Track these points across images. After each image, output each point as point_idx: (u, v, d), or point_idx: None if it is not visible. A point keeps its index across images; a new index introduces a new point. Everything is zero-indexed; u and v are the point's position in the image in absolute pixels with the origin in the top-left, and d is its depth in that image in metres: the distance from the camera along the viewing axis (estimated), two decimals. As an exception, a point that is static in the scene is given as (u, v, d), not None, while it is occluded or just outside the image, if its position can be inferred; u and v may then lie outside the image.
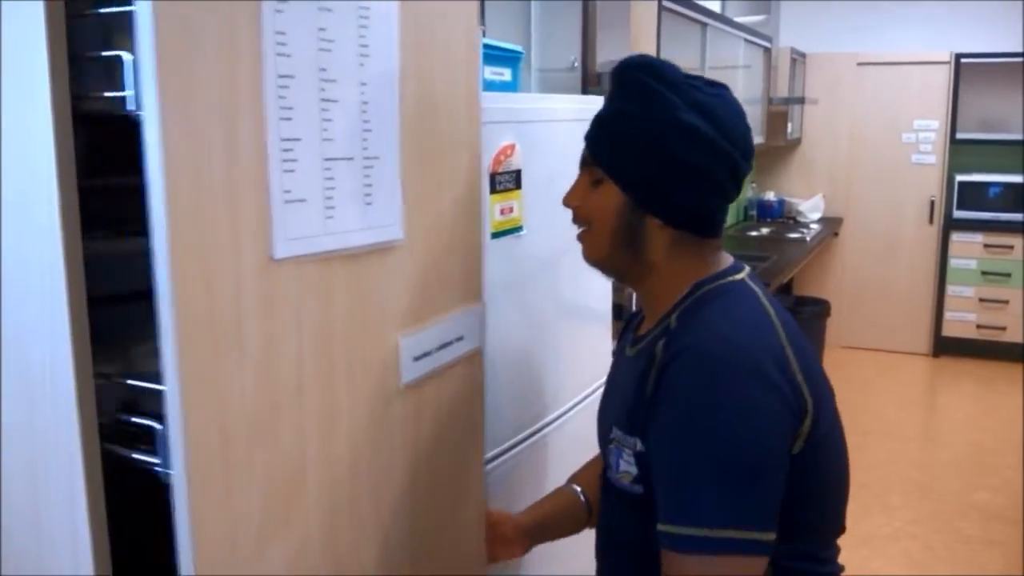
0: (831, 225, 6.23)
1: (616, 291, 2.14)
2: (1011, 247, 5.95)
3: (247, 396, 0.93)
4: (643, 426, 1.14)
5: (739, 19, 5.09)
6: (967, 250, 6.11)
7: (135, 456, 0.96)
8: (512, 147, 1.63)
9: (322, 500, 1.04)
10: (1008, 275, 5.99)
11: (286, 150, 0.94)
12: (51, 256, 0.88)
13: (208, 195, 0.86)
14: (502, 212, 1.62)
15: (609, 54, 3.41)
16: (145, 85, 0.81)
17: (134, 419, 0.97)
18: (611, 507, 1.28)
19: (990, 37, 5.99)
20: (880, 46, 6.23)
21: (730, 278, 1.20)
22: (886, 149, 6.27)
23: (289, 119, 0.94)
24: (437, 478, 1.25)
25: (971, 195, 6.11)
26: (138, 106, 0.86)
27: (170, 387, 0.85)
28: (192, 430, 0.86)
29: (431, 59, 1.17)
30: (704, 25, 4.32)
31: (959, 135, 6.17)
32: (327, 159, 1.00)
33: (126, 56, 0.86)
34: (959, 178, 6.13)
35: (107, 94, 0.92)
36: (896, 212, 6.31)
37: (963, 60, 6.05)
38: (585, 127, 1.22)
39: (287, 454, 0.99)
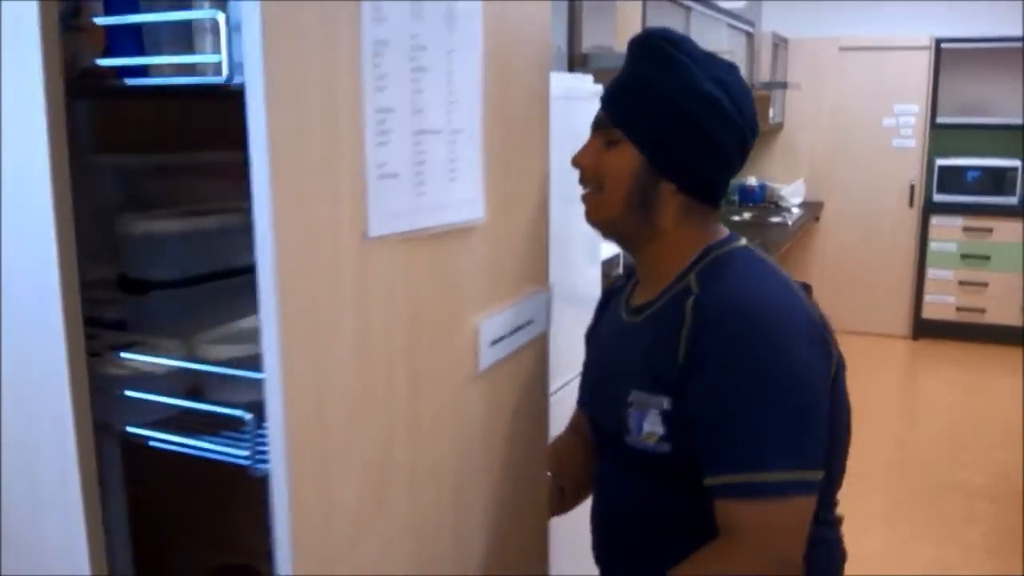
0: (812, 209, 6.25)
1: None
2: (990, 230, 6.01)
3: (344, 384, 0.87)
4: (675, 385, 1.15)
5: (723, 4, 5.07)
6: (947, 233, 6.17)
7: (213, 448, 0.89)
8: None
9: (409, 491, 0.99)
10: (987, 258, 6.05)
11: (380, 121, 0.88)
12: (44, 237, 0.86)
13: (311, 169, 0.80)
14: None
15: (594, 39, 3.38)
16: (249, 50, 0.74)
17: (218, 409, 0.90)
18: (621, 475, 1.27)
19: (970, 22, 6.03)
20: (861, 31, 6.25)
21: (737, 244, 1.26)
22: (867, 134, 6.30)
23: (383, 88, 0.88)
24: (508, 466, 1.21)
25: (951, 179, 6.16)
26: (231, 72, 0.80)
27: (271, 374, 0.79)
28: (293, 420, 0.80)
29: (507, 33, 1.11)
30: (688, 9, 4.33)
31: (939, 119, 6.21)
32: (416, 131, 0.94)
33: (220, 17, 0.80)
34: (939, 162, 6.18)
35: (190, 60, 0.86)
36: (877, 196, 6.34)
37: (943, 45, 6.08)
38: (576, 105, 1.20)
39: (379, 444, 0.93)
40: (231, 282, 1.12)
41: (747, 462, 1.11)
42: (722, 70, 1.22)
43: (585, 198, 1.26)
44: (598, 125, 1.25)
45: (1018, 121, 6.06)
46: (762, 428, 1.11)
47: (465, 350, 1.07)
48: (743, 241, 1.28)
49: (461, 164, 1.02)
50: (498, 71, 1.09)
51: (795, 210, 6.07)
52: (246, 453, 0.86)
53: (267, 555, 1.53)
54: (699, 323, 1.14)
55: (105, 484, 1.29)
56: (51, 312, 0.87)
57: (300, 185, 0.79)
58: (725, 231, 1.29)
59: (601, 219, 1.26)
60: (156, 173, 1.16)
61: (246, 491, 1.55)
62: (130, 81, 0.91)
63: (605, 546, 1.32)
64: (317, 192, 0.81)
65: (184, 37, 0.91)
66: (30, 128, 0.84)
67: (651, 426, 1.18)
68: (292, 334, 0.79)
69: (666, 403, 1.17)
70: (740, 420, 1.12)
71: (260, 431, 0.86)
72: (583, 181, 1.25)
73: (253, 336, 1.05)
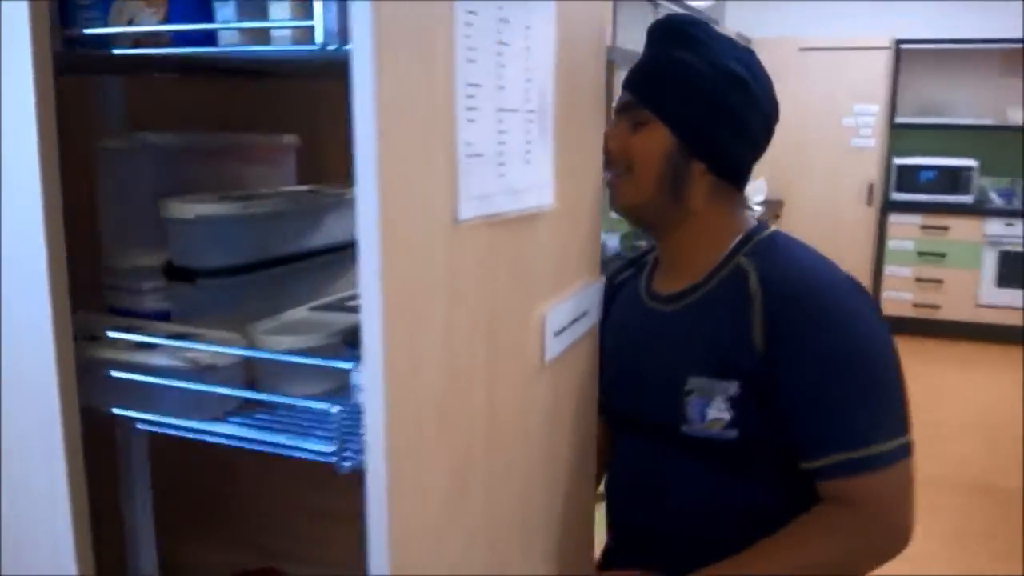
0: (773, 208, 6.31)
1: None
2: (946, 228, 6.15)
3: (434, 374, 0.82)
4: (750, 369, 1.15)
5: (689, 3, 5.10)
6: (904, 231, 6.29)
7: (293, 445, 0.84)
8: None
9: (486, 484, 0.94)
10: (943, 255, 6.18)
11: (470, 96, 0.83)
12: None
13: (412, 146, 0.75)
14: None
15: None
16: (358, 15, 0.69)
17: (301, 402, 0.85)
18: (673, 466, 1.23)
19: (930, 23, 6.15)
20: (823, 31, 6.33)
21: (771, 228, 1.29)
22: (827, 133, 6.38)
23: (473, 61, 0.83)
24: (566, 461, 1.16)
25: (908, 178, 6.29)
26: (325, 39, 0.75)
27: (372, 364, 0.74)
28: (394, 412, 0.75)
29: (570, 20, 1.07)
30: (656, 6, 4.38)
31: (898, 119, 6.33)
32: (499, 109, 0.89)
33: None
34: (897, 161, 6.30)
35: (278, 25, 0.80)
36: (836, 195, 6.44)
37: (903, 46, 6.20)
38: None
39: (463, 437, 0.88)
40: (281, 270, 1.07)
41: (856, 438, 1.13)
42: (744, 52, 1.24)
43: (612, 183, 1.25)
44: (623, 108, 1.25)
45: (974, 121, 6.20)
46: (863, 401, 1.14)
47: (533, 341, 1.02)
48: (774, 226, 1.30)
49: (535, 147, 0.98)
50: (563, 54, 1.05)
51: (757, 208, 6.12)
52: (331, 448, 0.80)
53: (288, 555, 1.47)
54: (775, 304, 1.15)
55: (131, 482, 1.23)
56: (39, 299, 0.82)
57: (402, 163, 0.74)
58: (751, 216, 1.31)
59: (631, 203, 1.26)
60: (194, 155, 1.10)
61: (265, 491, 1.49)
62: (197, 50, 0.85)
63: (644, 534, 1.29)
64: (416, 171, 0.76)
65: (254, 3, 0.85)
66: (18, 106, 0.79)
67: (717, 412, 1.17)
68: (393, 322, 0.74)
69: (734, 388, 1.16)
70: (840, 398, 1.14)
71: (346, 424, 0.81)
72: (609, 166, 1.23)
73: (309, 326, 1.01)
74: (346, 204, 1.16)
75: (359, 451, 0.80)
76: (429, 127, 0.78)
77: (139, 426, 0.89)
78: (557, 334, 1.08)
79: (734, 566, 1.15)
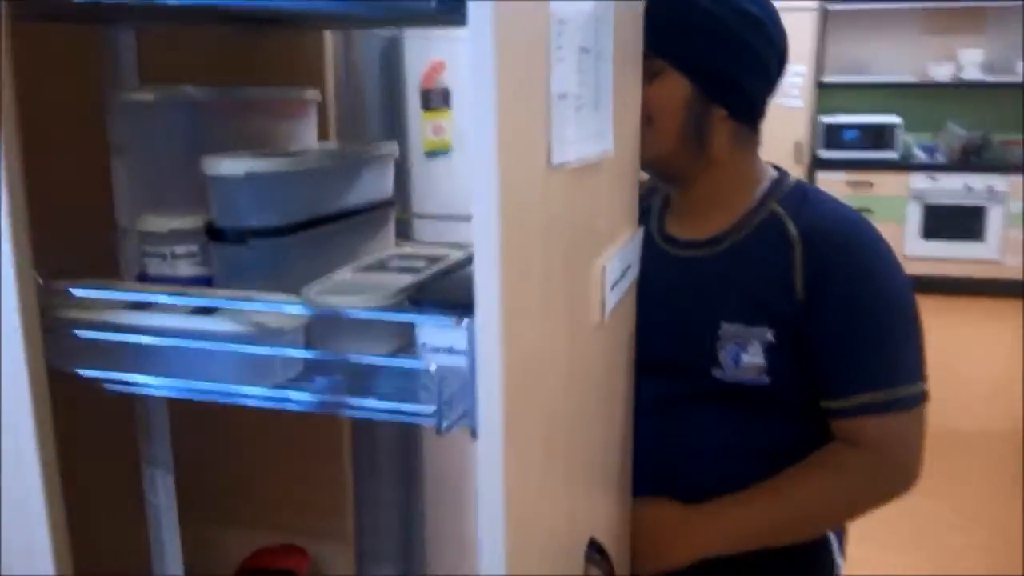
0: (707, 168, 6.39)
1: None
2: (872, 184, 6.31)
3: (535, 328, 0.78)
4: (788, 315, 1.16)
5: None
6: (831, 188, 6.36)
7: (390, 408, 0.79)
8: (442, 64, 1.58)
9: (566, 445, 0.91)
10: (870, 210, 6.32)
11: (558, 34, 0.79)
12: None
13: (519, 88, 0.71)
14: (434, 131, 1.58)
15: None
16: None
17: (396, 362, 0.79)
18: (701, 410, 1.25)
19: (853, -17, 6.27)
20: (750, -9, 6.39)
21: (792, 175, 1.32)
22: (756, 93, 6.46)
23: (560, -5, 0.79)
24: (616, 421, 1.14)
25: (835, 136, 6.43)
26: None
27: (488, 319, 0.69)
28: (509, 371, 0.71)
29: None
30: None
31: (824, 79, 6.45)
32: (581, 48, 0.85)
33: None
34: (824, 120, 6.42)
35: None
36: (766, 154, 6.42)
37: (829, 6, 6.30)
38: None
39: (553, 394, 0.85)
40: (321, 231, 1.01)
41: (882, 380, 1.16)
42: None
43: None
44: None
45: (898, 79, 6.36)
46: (892, 347, 1.18)
47: (595, 294, 0.99)
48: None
49: (602, 91, 0.94)
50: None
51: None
52: (431, 410, 0.76)
53: (307, 532, 1.42)
54: (816, 253, 1.16)
55: (153, 460, 1.16)
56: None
57: (512, 108, 0.69)
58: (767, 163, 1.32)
59: (656, 155, 1.23)
60: (221, 109, 1.02)
61: (280, 469, 1.43)
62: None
63: (669, 480, 1.28)
64: (522, 115, 0.72)
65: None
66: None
67: (752, 358, 1.18)
68: (507, 274, 0.70)
69: (770, 334, 1.17)
70: (872, 343, 1.17)
71: (442, 385, 0.76)
72: None
73: (362, 287, 0.95)
74: (379, 161, 1.10)
75: (459, 411, 0.76)
76: (531, 68, 0.73)
77: (239, 401, 0.83)
78: (612, 287, 1.05)
79: (747, 499, 1.20)
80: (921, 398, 1.18)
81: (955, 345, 5.25)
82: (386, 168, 1.10)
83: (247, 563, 1.25)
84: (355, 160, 1.05)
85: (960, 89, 6.39)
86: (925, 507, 3.37)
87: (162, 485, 1.15)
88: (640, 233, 1.19)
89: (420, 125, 1.57)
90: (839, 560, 1.33)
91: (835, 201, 1.27)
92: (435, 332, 0.85)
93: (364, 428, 1.60)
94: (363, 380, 0.86)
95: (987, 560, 3.00)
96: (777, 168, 1.32)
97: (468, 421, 0.75)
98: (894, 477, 1.20)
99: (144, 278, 0.99)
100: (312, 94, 1.16)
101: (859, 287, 1.17)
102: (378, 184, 1.10)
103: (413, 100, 1.58)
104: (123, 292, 0.88)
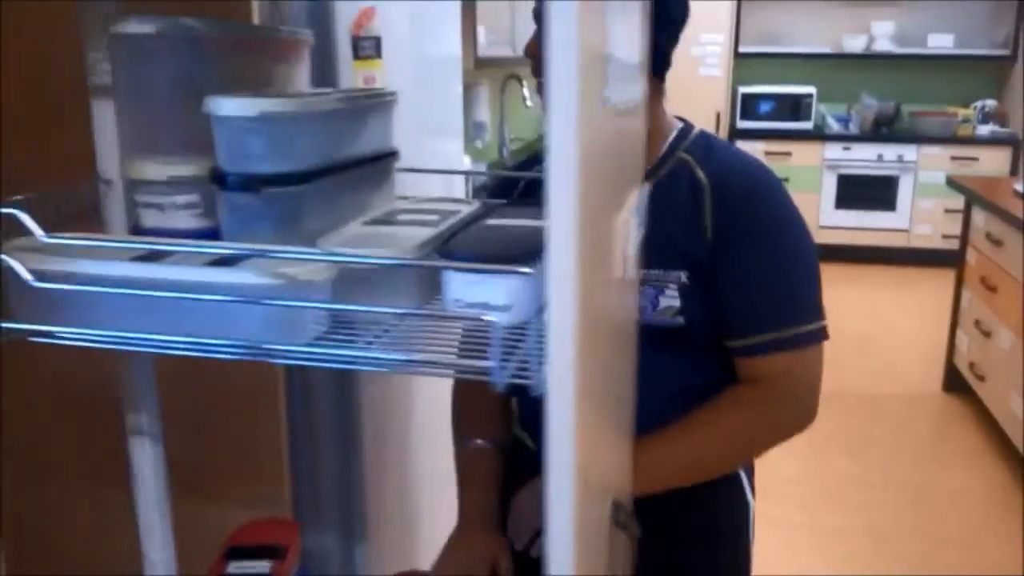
0: (629, 137, 6.42)
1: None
2: (789, 153, 6.45)
3: (595, 279, 0.74)
4: (700, 257, 1.20)
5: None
6: (750, 158, 6.55)
7: (450, 363, 0.73)
8: (372, 11, 1.53)
9: (606, 400, 0.87)
10: (786, 180, 6.44)
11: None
12: None
13: (589, 28, 0.66)
14: (365, 81, 1.54)
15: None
16: None
17: (461, 313, 0.74)
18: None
19: (772, -46, 6.35)
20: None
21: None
22: (677, 63, 6.48)
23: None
24: (628, 376, 1.11)
25: (752, 106, 6.54)
26: None
27: (563, 267, 0.65)
28: (580, 322, 0.67)
29: None
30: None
31: (741, 48, 6.53)
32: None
33: None
34: (742, 90, 6.52)
35: None
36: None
37: (746, -24, 6.38)
38: None
39: (603, 346, 0.81)
40: (331, 181, 0.94)
41: (787, 317, 1.21)
42: None
43: (541, 88, 1.17)
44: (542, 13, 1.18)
45: (812, 50, 6.50)
46: (794, 288, 1.23)
47: (622, 244, 0.95)
48: None
49: (634, 35, 0.90)
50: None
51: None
52: (491, 364, 0.71)
53: (294, 502, 1.35)
54: (723, 198, 1.20)
55: (139, 424, 1.08)
56: None
57: (581, 48, 0.64)
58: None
59: None
60: (219, 47, 0.94)
61: (264, 443, 1.35)
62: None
63: None
64: (589, 51, 0.67)
65: None
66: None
67: (668, 300, 1.22)
68: (581, 222, 0.65)
69: (684, 276, 1.21)
70: (775, 283, 1.22)
71: (505, 338, 0.72)
72: (537, 72, 1.17)
73: (378, 240, 0.89)
74: (385, 107, 1.03)
75: (517, 365, 0.72)
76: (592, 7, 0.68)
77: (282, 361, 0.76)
78: (630, 240, 1.01)
79: (654, 442, 1.22)
80: (820, 335, 1.23)
81: (870, 312, 5.44)
82: (389, 115, 1.04)
83: (233, 538, 1.18)
84: (364, 105, 0.98)
85: (873, 60, 6.58)
86: (844, 467, 3.49)
87: (150, 457, 1.07)
88: (647, 188, 1.16)
89: (352, 75, 1.52)
90: (750, 499, 1.37)
91: (738, 149, 1.32)
92: (467, 287, 0.80)
93: (300, 395, 1.54)
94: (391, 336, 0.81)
95: (905, 517, 3.12)
96: (680, 119, 1.34)
97: (524, 376, 0.71)
98: (796, 413, 1.25)
99: (138, 233, 0.90)
100: (305, 35, 1.08)
101: (764, 228, 1.21)
102: (384, 132, 1.04)
103: (344, 48, 1.53)
104: (139, 243, 0.80)
